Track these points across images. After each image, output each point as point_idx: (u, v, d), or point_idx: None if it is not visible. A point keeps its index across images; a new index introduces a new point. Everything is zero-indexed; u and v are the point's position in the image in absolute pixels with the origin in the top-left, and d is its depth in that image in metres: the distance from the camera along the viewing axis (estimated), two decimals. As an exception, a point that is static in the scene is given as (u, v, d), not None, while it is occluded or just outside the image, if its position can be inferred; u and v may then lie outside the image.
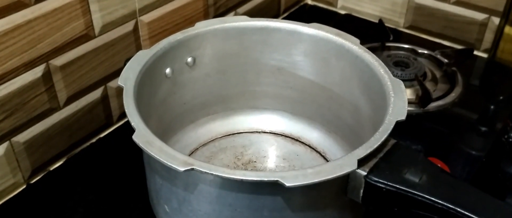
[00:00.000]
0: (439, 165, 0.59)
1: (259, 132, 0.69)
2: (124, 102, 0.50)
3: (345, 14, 1.01)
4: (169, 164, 0.44)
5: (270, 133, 0.69)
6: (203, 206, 0.49)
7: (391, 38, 0.88)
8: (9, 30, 0.56)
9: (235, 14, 0.87)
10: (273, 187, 0.45)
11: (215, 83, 0.65)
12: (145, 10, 0.70)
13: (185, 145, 0.65)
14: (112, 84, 0.71)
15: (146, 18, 0.71)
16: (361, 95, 0.59)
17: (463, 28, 0.91)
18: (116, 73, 0.69)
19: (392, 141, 0.49)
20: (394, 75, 0.55)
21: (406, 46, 0.87)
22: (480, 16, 0.88)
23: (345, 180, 0.47)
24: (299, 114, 0.68)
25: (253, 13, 0.90)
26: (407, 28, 0.97)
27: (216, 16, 0.82)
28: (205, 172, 0.43)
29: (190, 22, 0.77)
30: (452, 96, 0.77)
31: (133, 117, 0.48)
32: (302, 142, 0.68)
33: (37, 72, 0.61)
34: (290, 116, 0.69)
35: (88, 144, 0.71)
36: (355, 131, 0.60)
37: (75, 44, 0.64)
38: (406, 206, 0.46)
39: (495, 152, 0.70)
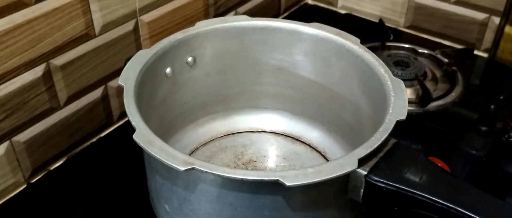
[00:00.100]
0: (439, 165, 0.59)
1: (260, 131, 0.69)
2: (124, 101, 0.50)
3: (346, 14, 1.01)
4: (169, 163, 0.44)
5: (271, 132, 0.69)
6: (203, 205, 0.49)
7: (391, 38, 0.88)
8: (10, 30, 0.56)
9: (236, 14, 0.87)
10: (274, 187, 0.45)
11: (215, 83, 0.65)
12: (146, 9, 0.70)
13: (185, 145, 0.65)
14: (112, 83, 0.71)
15: (147, 17, 0.71)
16: (362, 94, 0.59)
17: (464, 27, 0.91)
18: (117, 73, 0.69)
19: (393, 141, 0.49)
20: (394, 75, 0.55)
21: (406, 45, 0.87)
22: (480, 15, 0.88)
23: (345, 180, 0.47)
24: (299, 113, 0.68)
25: (254, 13, 0.90)
26: (408, 27, 0.97)
27: (217, 15, 0.82)
28: (206, 172, 0.43)
29: (190, 21, 0.77)
30: (452, 95, 0.77)
31: (134, 116, 0.48)
32: (303, 142, 0.68)
33: (37, 71, 0.61)
34: (291, 116, 0.69)
35: (88, 143, 0.71)
36: (356, 131, 0.60)
37: (75, 44, 0.64)
38: (407, 205, 0.46)
39: (495, 151, 0.70)
